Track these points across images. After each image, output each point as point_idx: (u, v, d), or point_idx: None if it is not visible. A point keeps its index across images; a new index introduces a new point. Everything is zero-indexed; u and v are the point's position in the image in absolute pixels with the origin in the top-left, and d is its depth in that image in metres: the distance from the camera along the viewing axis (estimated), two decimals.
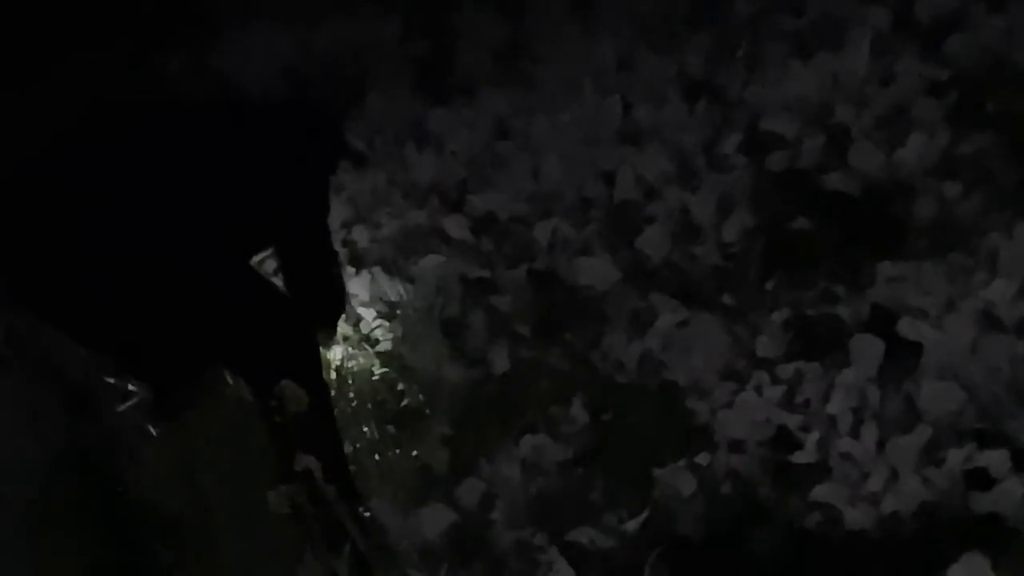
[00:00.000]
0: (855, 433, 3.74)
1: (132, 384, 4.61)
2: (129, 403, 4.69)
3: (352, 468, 4.25)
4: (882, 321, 4.00)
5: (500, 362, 4.47)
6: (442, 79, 5.97)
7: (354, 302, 4.78)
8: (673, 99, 5.04)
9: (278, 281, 4.31)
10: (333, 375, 4.59)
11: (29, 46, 5.11)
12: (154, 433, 4.54)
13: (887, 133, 4.54)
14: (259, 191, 4.04)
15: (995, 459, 3.49)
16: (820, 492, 3.66)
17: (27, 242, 3.93)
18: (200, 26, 6.25)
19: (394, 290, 4.74)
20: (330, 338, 4.54)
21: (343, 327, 4.68)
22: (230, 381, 4.41)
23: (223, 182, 3.98)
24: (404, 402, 4.53)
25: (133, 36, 4.23)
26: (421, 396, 4.51)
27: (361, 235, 5.02)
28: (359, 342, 4.75)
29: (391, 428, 4.42)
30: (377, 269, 4.80)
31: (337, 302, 4.50)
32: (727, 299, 4.31)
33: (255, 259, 4.27)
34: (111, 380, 4.68)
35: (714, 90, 5.11)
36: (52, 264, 3.93)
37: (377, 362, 4.67)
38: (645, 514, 3.76)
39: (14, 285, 4.07)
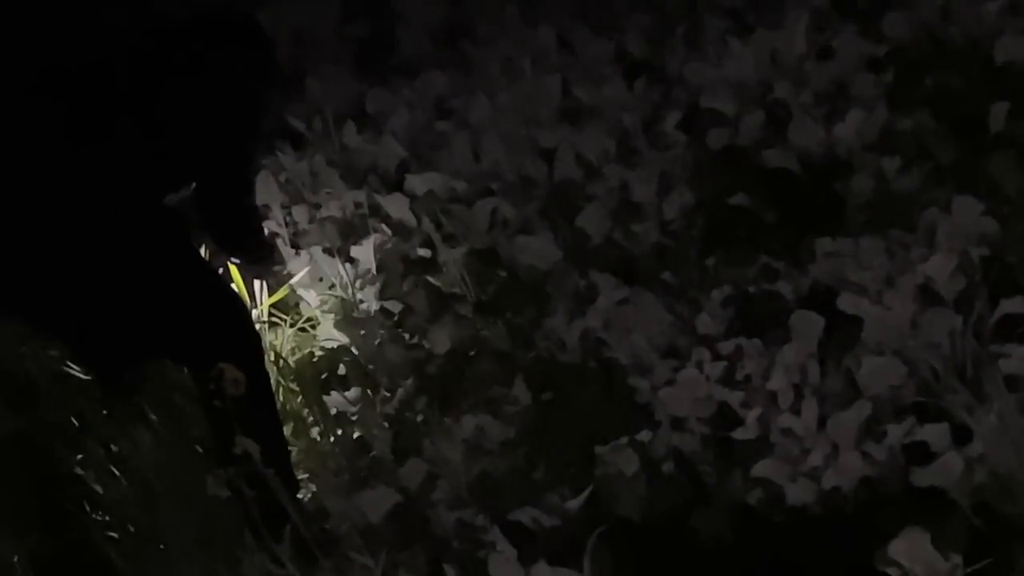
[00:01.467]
0: (796, 409, 3.73)
1: (73, 368, 4.58)
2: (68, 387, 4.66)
3: (292, 451, 4.24)
4: (822, 297, 4.00)
5: (441, 342, 4.45)
6: (382, 60, 5.96)
7: (294, 283, 4.76)
8: (612, 78, 5.05)
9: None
10: (272, 357, 4.57)
11: None
12: (95, 418, 4.50)
13: (826, 109, 4.55)
14: (183, 118, 3.95)
15: (935, 433, 3.49)
16: (761, 468, 3.65)
17: None
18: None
19: (334, 271, 4.72)
20: (264, 274, 4.50)
21: (283, 311, 4.67)
22: (169, 364, 4.38)
23: (147, 112, 3.90)
24: (345, 383, 4.52)
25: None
26: (363, 377, 4.49)
27: (301, 216, 5.00)
28: (299, 323, 4.73)
29: (332, 409, 4.40)
30: (316, 250, 4.77)
31: (257, 233, 4.45)
32: (668, 277, 4.30)
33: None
34: (52, 365, 4.64)
35: (653, 69, 5.11)
36: None
37: (318, 343, 4.65)
38: (588, 492, 3.75)
39: None
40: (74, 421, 4.60)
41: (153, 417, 4.31)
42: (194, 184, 4.11)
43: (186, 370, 4.14)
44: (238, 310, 4.14)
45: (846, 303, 3.90)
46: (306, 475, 4.26)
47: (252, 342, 4.08)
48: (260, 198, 4.94)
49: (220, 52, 4.03)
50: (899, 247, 4.01)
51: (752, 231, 4.38)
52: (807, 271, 4.12)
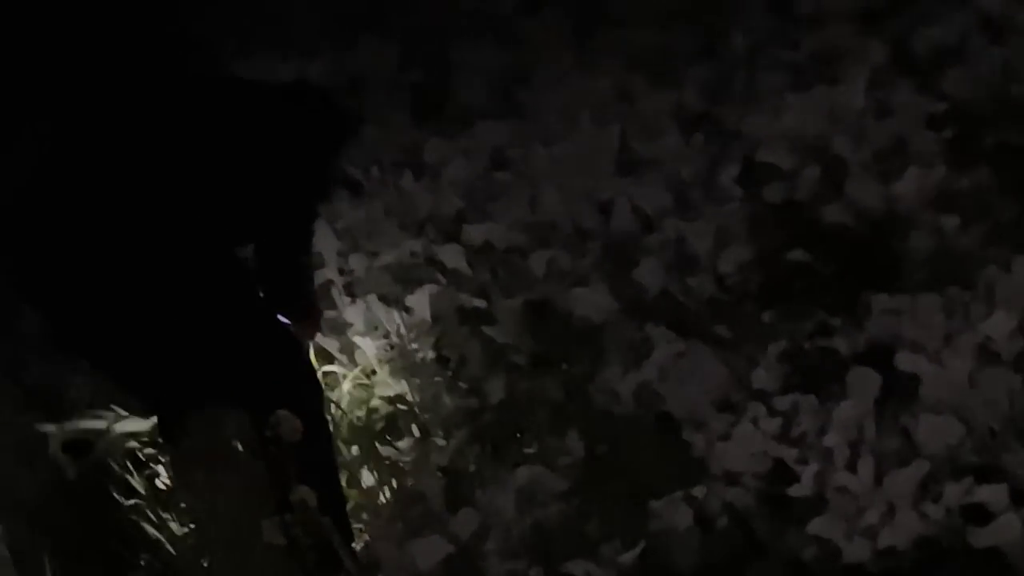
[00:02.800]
0: (852, 467, 3.72)
1: (133, 411, 4.60)
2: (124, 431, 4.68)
3: (346, 499, 4.24)
4: (879, 354, 3.98)
5: (496, 392, 4.45)
6: (439, 109, 5.99)
7: (350, 332, 4.76)
8: (670, 130, 5.05)
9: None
10: (328, 405, 4.57)
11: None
12: (151, 463, 4.52)
13: (884, 166, 4.55)
14: (256, 179, 4.01)
15: (993, 494, 3.47)
16: (817, 526, 3.64)
17: (38, 256, 3.94)
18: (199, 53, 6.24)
19: (390, 320, 4.73)
20: (311, 335, 4.50)
21: (340, 359, 4.67)
22: (227, 410, 4.39)
23: (223, 169, 3.96)
24: (399, 432, 4.52)
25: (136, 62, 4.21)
26: (416, 426, 4.49)
27: (357, 264, 5.00)
28: (354, 371, 4.74)
29: (386, 458, 4.40)
30: (373, 298, 4.78)
31: (308, 295, 4.46)
32: (724, 331, 4.30)
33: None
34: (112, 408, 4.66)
35: (712, 122, 5.12)
36: (61, 275, 3.92)
37: (373, 392, 4.65)
38: (641, 547, 3.74)
39: (28, 295, 4.06)
40: (130, 465, 4.62)
41: (209, 461, 4.32)
42: (256, 240, 4.14)
43: (244, 416, 4.15)
44: (298, 358, 4.15)
45: (904, 361, 3.89)
46: (360, 524, 4.25)
47: (311, 390, 4.10)
48: (316, 246, 4.98)
49: (300, 120, 4.10)
50: (958, 305, 4.00)
51: (809, 286, 4.36)
52: (864, 327, 4.11)
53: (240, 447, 4.34)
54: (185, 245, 3.94)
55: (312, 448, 3.82)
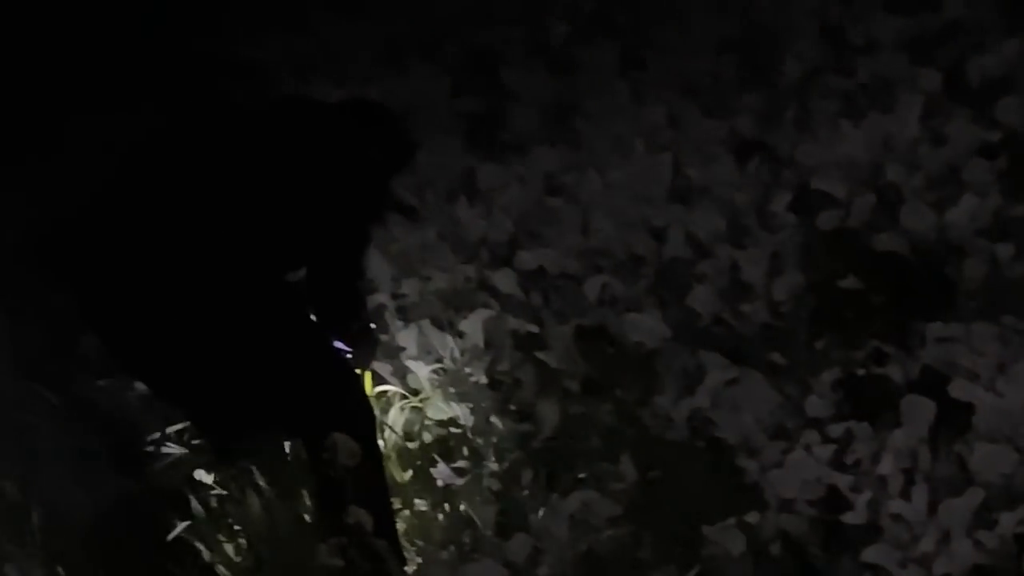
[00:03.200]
0: (906, 494, 3.72)
1: (191, 434, 4.63)
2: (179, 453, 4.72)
3: (399, 523, 4.26)
4: (934, 382, 3.98)
5: (549, 418, 4.46)
6: (493, 135, 6.01)
7: (403, 356, 4.78)
8: (724, 158, 5.06)
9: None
10: (381, 428, 4.59)
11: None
12: (205, 483, 4.55)
13: (938, 194, 4.55)
14: (313, 198, 4.03)
15: None
16: (871, 554, 3.64)
17: (99, 275, 3.97)
18: (252, 80, 6.31)
19: (443, 344, 4.74)
20: (365, 364, 4.51)
21: (392, 382, 4.69)
22: (283, 433, 4.42)
23: (281, 191, 4.00)
24: (452, 457, 4.53)
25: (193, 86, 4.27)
26: (469, 451, 4.51)
27: (411, 289, 5.02)
28: (407, 396, 4.75)
29: (439, 482, 4.41)
30: (426, 323, 4.79)
31: (363, 320, 4.47)
32: (777, 357, 4.30)
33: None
34: (169, 429, 4.70)
35: (765, 149, 5.12)
36: (120, 295, 3.96)
37: (426, 416, 4.67)
38: (694, 572, 3.75)
39: (87, 315, 4.10)
40: (184, 487, 4.64)
41: (263, 484, 4.35)
42: (311, 263, 4.17)
43: (300, 439, 4.17)
44: (353, 383, 4.18)
45: (958, 389, 3.89)
46: (412, 548, 4.27)
47: (364, 414, 4.12)
48: (369, 270, 5.02)
49: (357, 134, 4.12)
50: (1012, 333, 4.00)
51: (862, 314, 4.36)
52: (918, 355, 4.11)
53: (296, 469, 4.36)
54: (242, 268, 3.97)
55: (366, 471, 3.85)
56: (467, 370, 4.69)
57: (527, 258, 4.93)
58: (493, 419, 4.52)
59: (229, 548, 4.40)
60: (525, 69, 6.39)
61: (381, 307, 4.99)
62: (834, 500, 3.84)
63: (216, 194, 3.97)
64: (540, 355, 4.62)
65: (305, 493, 4.28)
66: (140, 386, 4.60)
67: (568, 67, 6.19)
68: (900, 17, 5.72)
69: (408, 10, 8.02)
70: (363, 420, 4.07)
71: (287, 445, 4.42)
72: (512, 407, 4.58)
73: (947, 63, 5.27)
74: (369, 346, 4.45)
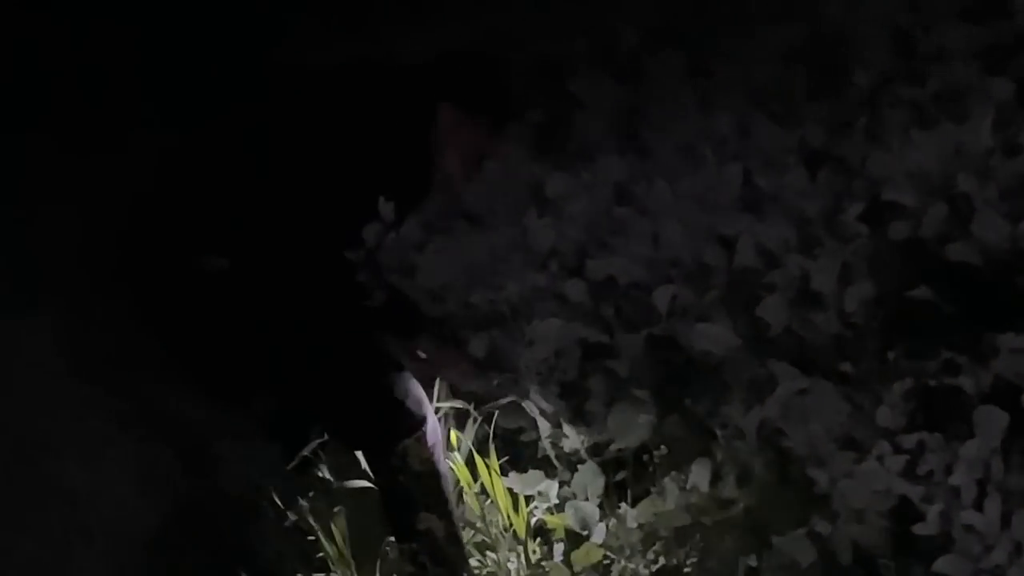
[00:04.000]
0: (979, 505, 3.71)
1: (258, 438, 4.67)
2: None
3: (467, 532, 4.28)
4: (1006, 393, 3.97)
5: (619, 427, 4.47)
6: (560, 144, 6.02)
7: (473, 364, 4.81)
8: (793, 167, 5.05)
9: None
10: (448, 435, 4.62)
11: None
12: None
13: (1011, 204, 4.51)
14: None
15: None
16: (943, 564, 3.63)
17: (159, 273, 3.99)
18: None
19: (514, 353, 4.76)
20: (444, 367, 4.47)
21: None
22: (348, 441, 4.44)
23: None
24: (523, 466, 4.55)
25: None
26: (539, 460, 4.53)
27: (481, 298, 5.04)
28: (476, 404, 4.78)
29: (509, 490, 4.44)
30: (496, 332, 4.82)
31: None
32: (847, 368, 4.29)
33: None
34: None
35: (835, 159, 5.10)
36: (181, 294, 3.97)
37: (496, 424, 4.69)
38: None
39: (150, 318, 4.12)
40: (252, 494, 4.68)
41: (334, 487, 4.38)
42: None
43: (363, 450, 4.20)
44: (417, 396, 4.18)
45: None
46: (479, 558, 4.30)
47: (427, 425, 4.13)
48: (439, 278, 5.04)
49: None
50: None
51: (934, 325, 4.34)
52: (990, 366, 4.08)
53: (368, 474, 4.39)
54: (303, 261, 3.95)
55: (432, 478, 3.87)
56: (538, 379, 4.71)
57: (596, 268, 4.94)
58: (564, 428, 4.54)
59: (298, 553, 4.43)
60: (591, 78, 6.40)
61: (451, 316, 5.01)
62: (905, 511, 3.84)
63: (279, 176, 3.95)
64: (610, 364, 4.64)
65: (375, 499, 4.31)
66: (204, 390, 4.62)
67: (635, 76, 6.18)
68: (972, 25, 5.67)
69: (471, 19, 8.06)
70: (424, 431, 4.08)
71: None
72: (582, 416, 4.60)
73: (1020, 72, 5.22)
74: (447, 355, 4.42)
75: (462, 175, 4.07)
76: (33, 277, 5.41)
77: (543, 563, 4.25)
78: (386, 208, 3.86)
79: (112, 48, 6.20)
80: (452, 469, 4.29)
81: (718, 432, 4.32)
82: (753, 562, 3.95)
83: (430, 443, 4.06)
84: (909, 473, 3.90)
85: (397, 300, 4.25)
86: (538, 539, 4.38)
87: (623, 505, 4.22)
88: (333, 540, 4.28)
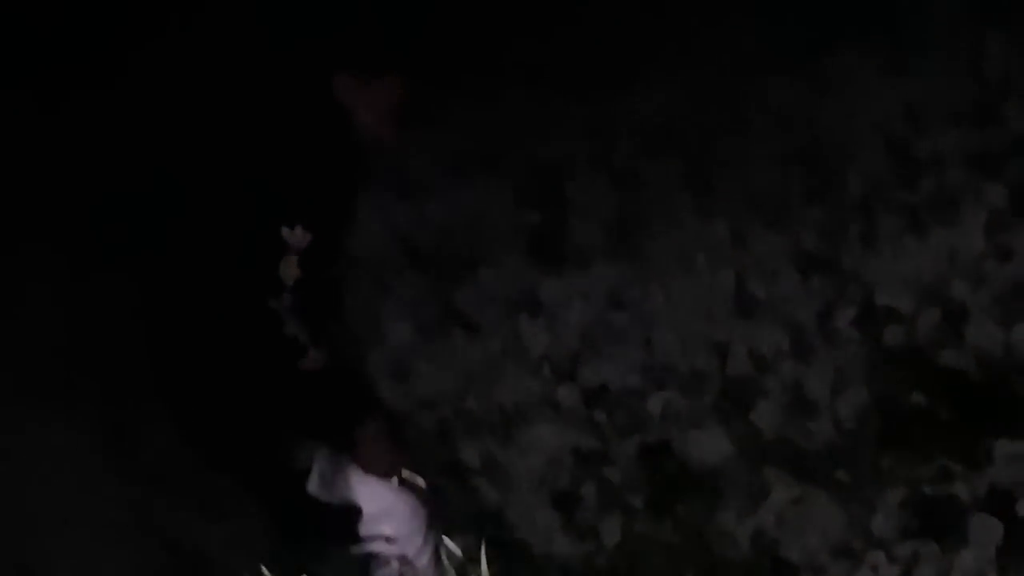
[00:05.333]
0: None
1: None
2: None
3: None
4: (1001, 501, 3.94)
5: (612, 535, 4.43)
6: (555, 249, 6.03)
7: (465, 471, 4.78)
8: (787, 273, 5.05)
9: None
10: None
11: None
12: None
13: (1005, 310, 4.51)
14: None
15: None
16: None
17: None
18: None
19: (506, 459, 4.74)
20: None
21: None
22: None
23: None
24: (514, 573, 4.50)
25: None
26: (531, 568, 4.48)
27: (474, 404, 5.02)
28: (469, 511, 4.74)
29: None
30: (490, 438, 4.79)
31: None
32: (842, 475, 4.27)
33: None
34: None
35: (828, 264, 5.11)
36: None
37: (487, 531, 4.64)
38: None
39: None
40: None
41: None
42: None
43: None
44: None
45: None
46: None
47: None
48: (435, 384, 5.04)
49: None
50: None
51: (928, 431, 4.33)
52: (985, 474, 4.06)
53: None
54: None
55: None
56: (530, 486, 4.68)
57: (590, 373, 4.93)
58: (556, 536, 4.50)
59: None
60: (588, 183, 6.42)
61: (445, 421, 4.99)
62: None
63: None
64: (603, 471, 4.61)
65: None
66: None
67: (631, 181, 6.20)
68: (965, 131, 5.71)
69: (472, 122, 8.10)
70: None
71: None
72: (575, 524, 4.56)
73: (1012, 177, 5.25)
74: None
75: (386, 131, 3.92)
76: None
77: None
78: (287, 270, 3.66)
79: None
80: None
81: (712, 541, 4.29)
82: None
83: (419, 566, 4.00)
84: None
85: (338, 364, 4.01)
86: None
87: None
88: None
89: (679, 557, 4.31)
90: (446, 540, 4.53)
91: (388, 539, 3.87)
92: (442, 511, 4.41)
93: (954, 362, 4.44)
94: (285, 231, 3.59)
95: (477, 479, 4.74)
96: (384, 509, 3.92)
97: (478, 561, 4.55)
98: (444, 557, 4.42)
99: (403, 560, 3.80)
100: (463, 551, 4.57)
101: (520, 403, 4.97)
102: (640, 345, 4.97)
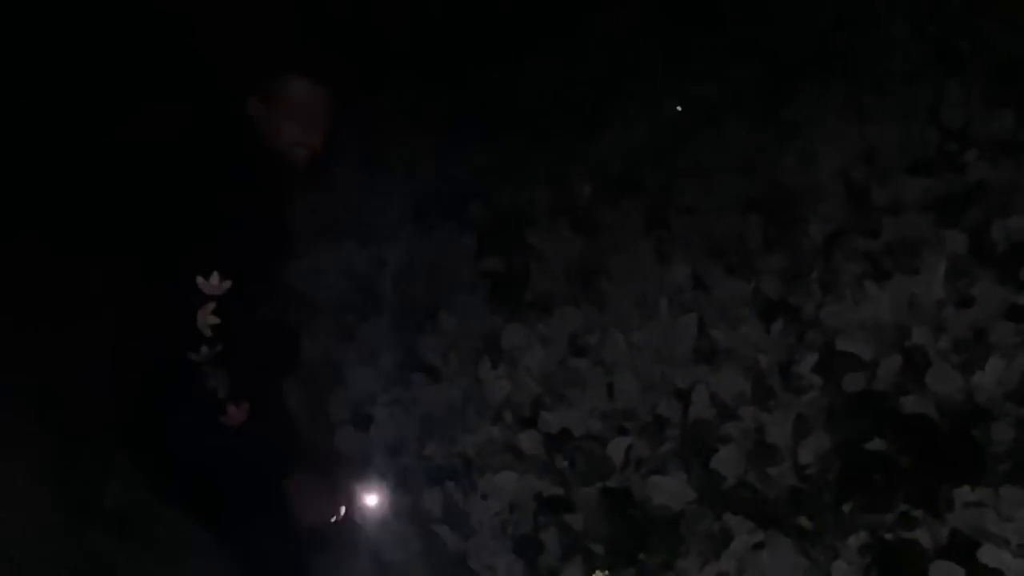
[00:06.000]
0: None
1: None
2: None
3: None
4: (962, 548, 3.94)
5: None
6: (516, 295, 6.02)
7: (428, 518, 4.76)
8: (748, 318, 5.06)
9: None
10: None
11: None
12: None
13: (965, 356, 4.52)
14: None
15: None
16: None
17: None
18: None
19: (468, 506, 4.72)
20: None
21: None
22: None
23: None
24: None
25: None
26: None
27: (435, 450, 5.01)
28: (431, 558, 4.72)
29: None
30: (451, 484, 4.78)
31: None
32: (803, 521, 4.27)
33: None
34: None
35: (790, 310, 5.12)
36: None
37: None
38: None
39: None
40: None
41: None
42: None
43: None
44: None
45: (987, 555, 3.85)
46: None
47: None
48: (396, 430, 5.02)
49: None
50: None
51: (889, 477, 4.32)
52: (946, 520, 4.06)
53: None
54: None
55: None
56: (492, 533, 4.67)
57: (551, 419, 4.92)
58: None
59: None
60: (550, 229, 6.43)
61: (407, 469, 4.98)
62: None
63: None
64: (565, 517, 4.59)
65: None
66: None
67: (593, 227, 6.21)
68: (925, 178, 5.74)
69: (434, 169, 8.10)
70: None
71: None
72: (536, 570, 4.55)
73: (972, 224, 5.27)
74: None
75: (312, 140, 3.87)
76: None
77: None
78: (203, 321, 3.59)
79: None
80: None
81: None
82: None
83: None
84: None
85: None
86: None
87: None
88: None
89: None
90: None
91: None
92: None
93: (915, 408, 4.44)
94: (200, 280, 3.53)
95: (439, 526, 4.72)
96: None
97: None
98: None
99: None
100: None
101: (481, 449, 4.96)
102: (602, 391, 4.96)
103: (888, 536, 4.11)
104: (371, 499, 4.57)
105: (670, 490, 4.48)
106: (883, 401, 4.56)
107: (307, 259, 6.70)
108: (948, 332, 4.63)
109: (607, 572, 4.27)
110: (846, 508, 4.26)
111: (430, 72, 9.52)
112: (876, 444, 4.40)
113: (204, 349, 3.55)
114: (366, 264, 6.61)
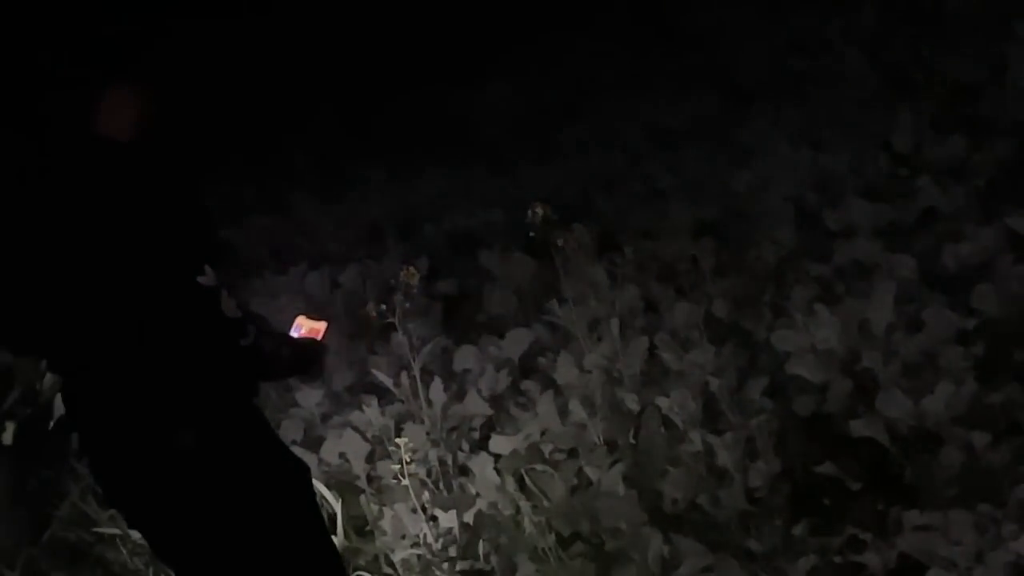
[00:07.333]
0: None
1: None
2: None
3: None
4: (910, 571, 3.95)
5: None
6: (469, 317, 6.02)
7: (379, 539, 4.75)
8: (699, 342, 5.06)
9: None
10: None
11: None
12: None
13: (914, 381, 4.53)
14: None
15: None
16: None
17: None
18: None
19: (418, 528, 4.70)
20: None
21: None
22: None
23: None
24: None
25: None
26: None
27: (386, 471, 4.98)
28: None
29: None
30: (401, 506, 4.75)
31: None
32: (753, 544, 4.26)
33: None
34: None
35: (740, 334, 5.13)
36: None
37: None
38: None
39: None
40: None
41: None
42: None
43: None
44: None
45: None
46: None
47: None
48: (345, 450, 5.02)
49: None
50: (989, 522, 3.96)
51: (839, 500, 4.34)
52: (895, 543, 4.06)
53: None
54: None
55: None
56: (443, 554, 4.65)
57: (502, 442, 4.90)
58: None
59: None
60: (502, 251, 6.44)
61: (357, 490, 4.96)
62: None
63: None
64: (515, 540, 4.58)
65: None
66: None
67: (544, 249, 6.20)
68: (876, 203, 5.78)
69: (388, 192, 8.12)
70: None
71: None
72: None
73: (922, 250, 5.30)
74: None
75: (131, 131, 3.83)
76: None
77: None
78: (228, 306, 3.54)
79: None
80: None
81: None
82: None
83: None
84: None
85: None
86: None
87: None
88: None
89: None
90: None
91: None
92: None
93: (865, 432, 4.45)
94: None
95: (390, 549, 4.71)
96: None
97: None
98: None
99: None
100: None
101: (432, 470, 4.95)
102: (552, 413, 4.95)
103: (837, 559, 4.11)
104: None
105: (620, 512, 4.45)
106: (833, 424, 4.58)
107: (260, 281, 6.70)
108: (898, 356, 4.65)
109: None
110: (796, 531, 4.26)
111: (386, 96, 9.55)
112: (826, 467, 4.41)
113: (251, 328, 3.57)
114: (318, 286, 6.62)
